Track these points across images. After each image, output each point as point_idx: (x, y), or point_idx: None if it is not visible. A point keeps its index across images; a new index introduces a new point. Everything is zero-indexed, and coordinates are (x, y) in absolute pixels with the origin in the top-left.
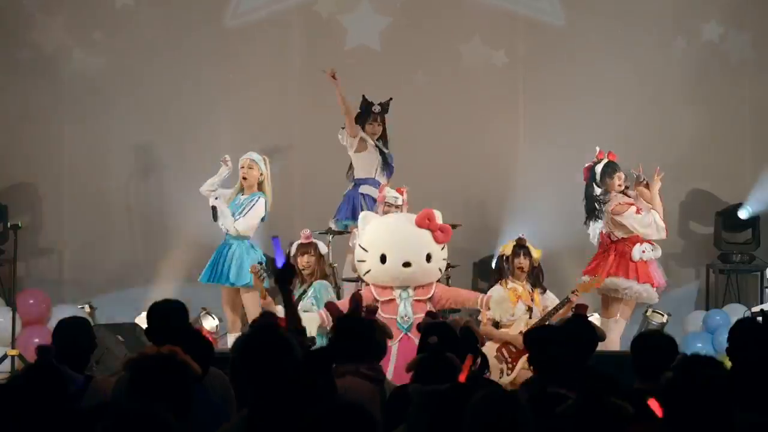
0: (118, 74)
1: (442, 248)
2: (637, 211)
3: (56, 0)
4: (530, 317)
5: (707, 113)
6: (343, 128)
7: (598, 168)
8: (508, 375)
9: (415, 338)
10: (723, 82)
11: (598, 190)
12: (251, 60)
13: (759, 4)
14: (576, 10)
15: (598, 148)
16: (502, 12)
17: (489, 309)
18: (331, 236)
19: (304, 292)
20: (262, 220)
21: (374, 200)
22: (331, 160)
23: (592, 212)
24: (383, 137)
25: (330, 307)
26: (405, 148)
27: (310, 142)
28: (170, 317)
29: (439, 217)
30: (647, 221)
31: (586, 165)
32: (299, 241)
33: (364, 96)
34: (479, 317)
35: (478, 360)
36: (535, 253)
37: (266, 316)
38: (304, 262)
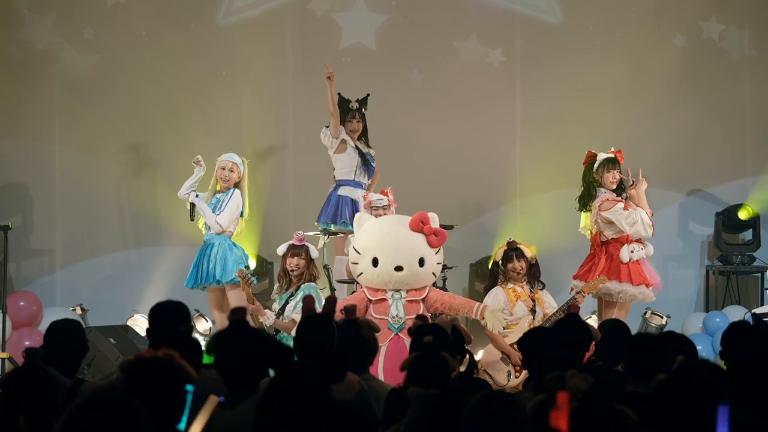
0: (109, 72)
1: (437, 252)
2: (625, 208)
3: None
4: (533, 318)
5: (707, 112)
6: (326, 127)
7: (601, 156)
8: (516, 377)
9: (406, 339)
10: (723, 80)
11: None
12: (244, 58)
13: (759, 1)
14: (574, 8)
15: (612, 148)
16: (499, 10)
17: (483, 319)
18: (326, 237)
19: (292, 294)
20: (241, 215)
21: (353, 201)
22: (325, 160)
23: (585, 199)
24: (364, 135)
25: (307, 301)
26: (400, 147)
27: (303, 141)
28: (172, 318)
29: (434, 221)
30: (633, 218)
31: (590, 151)
32: (290, 242)
33: (339, 94)
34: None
35: (466, 359)
36: (529, 252)
37: (237, 312)
38: (293, 264)
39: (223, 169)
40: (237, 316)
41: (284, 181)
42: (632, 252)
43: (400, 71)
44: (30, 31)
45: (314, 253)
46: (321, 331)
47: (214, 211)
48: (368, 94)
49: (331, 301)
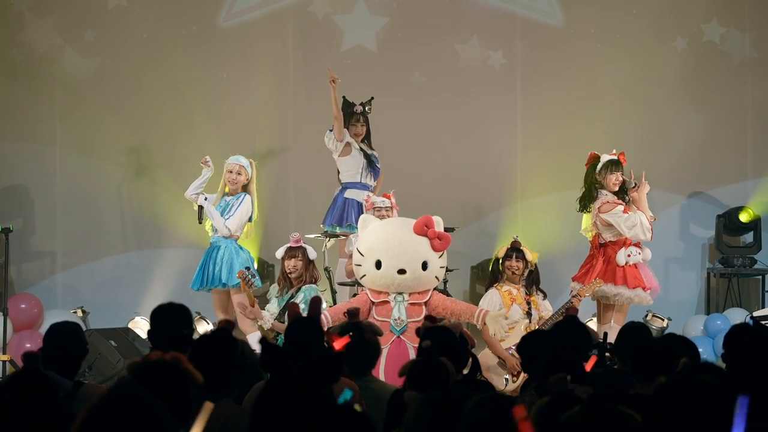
0: (110, 75)
1: (440, 256)
2: (624, 211)
3: (48, 0)
4: (530, 322)
5: (708, 114)
6: (330, 130)
7: (604, 158)
8: (513, 382)
9: (408, 341)
10: (724, 82)
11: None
12: (246, 61)
13: (760, 4)
14: (575, 10)
15: (614, 150)
16: (500, 12)
17: (485, 324)
18: (327, 240)
19: (292, 296)
20: (250, 219)
21: (359, 204)
22: (326, 162)
23: (587, 200)
24: (367, 137)
25: (291, 308)
26: (401, 149)
27: (305, 143)
28: (174, 320)
29: (438, 224)
30: (632, 222)
31: (593, 152)
32: (288, 245)
33: (344, 97)
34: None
35: (469, 362)
36: (531, 256)
37: (227, 323)
38: (291, 266)
39: (231, 172)
40: (224, 326)
41: (285, 183)
42: (629, 256)
43: (400, 74)
44: (31, 34)
45: (312, 254)
46: (309, 333)
47: (222, 215)
48: (372, 98)
49: (315, 302)
